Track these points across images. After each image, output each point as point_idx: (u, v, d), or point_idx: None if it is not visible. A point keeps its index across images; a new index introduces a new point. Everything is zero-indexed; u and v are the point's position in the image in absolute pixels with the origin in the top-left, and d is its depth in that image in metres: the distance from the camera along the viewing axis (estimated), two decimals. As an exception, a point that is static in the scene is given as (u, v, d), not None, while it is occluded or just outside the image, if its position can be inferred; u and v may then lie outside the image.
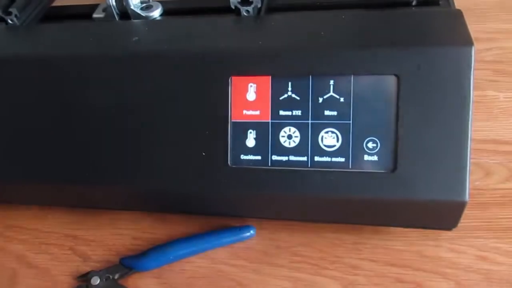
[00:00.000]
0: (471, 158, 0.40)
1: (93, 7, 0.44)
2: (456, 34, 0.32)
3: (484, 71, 0.49)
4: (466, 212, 0.32)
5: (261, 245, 0.38)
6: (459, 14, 0.34)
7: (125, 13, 0.41)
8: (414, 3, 0.38)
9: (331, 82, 0.33)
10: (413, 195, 0.31)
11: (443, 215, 0.33)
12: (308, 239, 0.38)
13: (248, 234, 0.37)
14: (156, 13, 0.41)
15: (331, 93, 0.33)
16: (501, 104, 0.46)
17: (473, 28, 0.56)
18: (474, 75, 0.31)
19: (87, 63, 0.36)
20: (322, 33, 0.34)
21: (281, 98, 0.33)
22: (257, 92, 0.34)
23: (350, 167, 0.32)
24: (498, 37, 0.53)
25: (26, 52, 0.39)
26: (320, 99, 0.33)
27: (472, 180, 0.40)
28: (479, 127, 0.44)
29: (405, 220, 0.34)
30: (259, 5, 0.37)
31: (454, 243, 0.36)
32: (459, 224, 0.34)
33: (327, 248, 0.37)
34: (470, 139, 0.31)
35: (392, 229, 0.37)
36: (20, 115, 0.38)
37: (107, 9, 0.42)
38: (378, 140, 0.32)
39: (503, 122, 0.44)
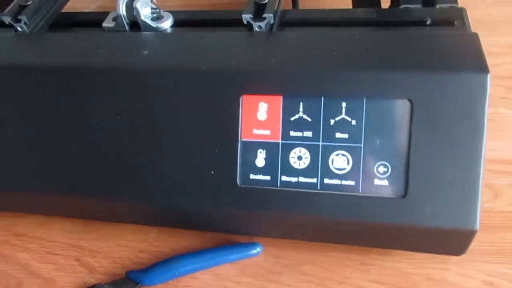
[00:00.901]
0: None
1: (103, 15, 0.43)
2: (472, 60, 0.31)
3: (496, 88, 0.48)
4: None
5: (267, 263, 0.37)
6: (475, 38, 0.33)
7: (136, 23, 0.41)
8: (428, 22, 0.37)
9: (343, 104, 0.32)
10: (423, 222, 0.31)
11: (452, 242, 0.33)
12: (315, 258, 0.37)
13: (254, 251, 0.37)
14: (166, 24, 0.41)
15: (343, 115, 0.32)
16: (511, 122, 0.45)
17: (485, 41, 0.55)
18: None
19: (96, 75, 0.36)
20: (335, 53, 0.34)
21: (292, 119, 0.33)
22: (268, 112, 0.33)
23: (360, 191, 0.32)
24: (510, 52, 0.52)
25: (35, 61, 0.38)
26: (332, 121, 0.33)
27: (482, 202, 0.39)
28: (490, 146, 0.43)
29: (413, 244, 0.34)
30: (271, 21, 0.37)
31: (462, 267, 0.36)
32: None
33: (335, 268, 0.37)
34: (483, 168, 0.31)
35: (400, 250, 0.37)
36: (27, 124, 0.37)
37: (117, 18, 0.42)
38: (389, 164, 0.32)
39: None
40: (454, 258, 0.36)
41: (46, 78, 0.37)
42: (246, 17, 0.37)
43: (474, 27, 0.56)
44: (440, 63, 0.32)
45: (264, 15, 0.37)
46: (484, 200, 0.40)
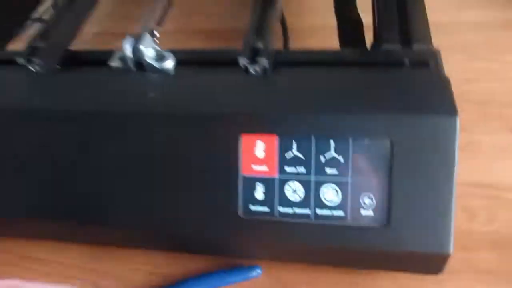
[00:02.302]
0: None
1: (110, 54, 0.47)
2: (444, 104, 0.35)
3: (470, 113, 0.53)
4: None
5: (267, 284, 0.41)
6: (447, 82, 0.37)
7: (140, 63, 0.45)
8: (406, 63, 0.41)
9: (332, 143, 0.36)
10: (404, 247, 0.35)
11: (429, 263, 0.37)
12: (312, 278, 0.41)
13: (255, 273, 0.41)
14: (168, 64, 0.44)
15: (332, 153, 0.36)
16: (485, 147, 0.50)
17: (461, 66, 0.60)
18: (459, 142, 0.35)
19: (107, 118, 0.40)
20: (323, 95, 0.38)
21: (287, 156, 0.37)
22: (265, 150, 0.37)
23: (348, 220, 0.36)
24: (486, 77, 0.57)
25: (49, 105, 0.42)
26: (322, 158, 0.37)
27: (459, 223, 0.43)
28: (464, 170, 0.48)
29: (395, 266, 0.38)
30: (266, 65, 0.41)
31: (441, 284, 0.40)
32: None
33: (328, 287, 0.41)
34: (454, 198, 0.35)
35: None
36: (41, 163, 0.41)
37: (123, 58, 0.45)
38: (374, 196, 0.36)
39: (486, 166, 0.48)
40: (432, 277, 0.40)
41: (61, 121, 0.40)
42: (243, 61, 0.41)
43: (455, 51, 0.60)
44: (416, 106, 0.36)
45: (259, 59, 0.41)
46: (461, 222, 0.44)
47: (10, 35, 0.62)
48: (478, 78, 0.57)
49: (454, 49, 0.62)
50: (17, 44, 0.61)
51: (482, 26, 0.64)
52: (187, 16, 0.71)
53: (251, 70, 0.41)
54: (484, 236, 0.43)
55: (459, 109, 0.52)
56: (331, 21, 0.56)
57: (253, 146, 0.38)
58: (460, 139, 0.51)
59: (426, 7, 0.49)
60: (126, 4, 0.78)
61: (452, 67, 0.55)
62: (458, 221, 0.44)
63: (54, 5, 0.55)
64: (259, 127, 0.37)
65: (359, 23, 0.54)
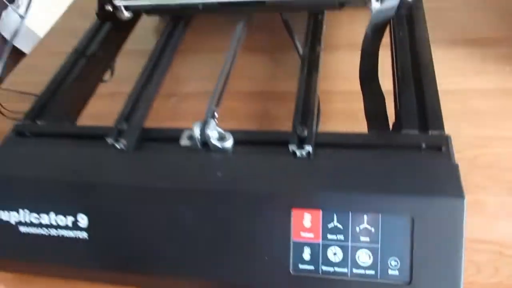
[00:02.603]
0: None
1: (178, 132, 0.57)
2: (454, 188, 0.45)
3: (477, 176, 0.62)
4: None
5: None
6: (456, 167, 0.47)
7: (206, 143, 0.55)
8: (423, 146, 0.51)
9: (365, 217, 0.46)
10: (423, 302, 0.45)
11: (444, 313, 0.46)
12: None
13: (301, 317, 0.51)
14: (229, 144, 0.55)
15: (365, 224, 0.46)
16: (490, 207, 0.59)
17: (469, 133, 0.69)
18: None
19: (184, 194, 0.50)
20: (358, 176, 0.48)
21: (329, 226, 0.47)
22: (311, 221, 0.47)
23: (378, 278, 0.46)
24: (492, 144, 0.65)
25: (131, 181, 0.52)
26: (357, 229, 0.47)
27: (466, 275, 0.53)
28: (471, 227, 0.57)
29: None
30: (310, 150, 0.51)
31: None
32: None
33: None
34: (464, 261, 0.44)
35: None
36: (126, 229, 0.52)
37: (191, 138, 0.56)
38: (399, 259, 0.46)
39: (490, 224, 0.57)
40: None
41: (143, 196, 0.51)
42: (292, 147, 0.51)
43: (463, 118, 0.69)
44: (432, 189, 0.46)
45: (305, 145, 0.51)
46: (468, 274, 0.53)
47: (85, 103, 0.74)
48: (485, 144, 0.66)
49: (462, 116, 0.71)
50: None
51: (490, 93, 0.73)
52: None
53: (298, 154, 0.52)
54: (489, 287, 0.52)
55: (466, 172, 0.61)
56: (358, 87, 0.66)
57: (301, 217, 0.48)
58: (468, 199, 0.60)
59: (437, 74, 0.58)
60: (173, 66, 0.90)
61: (461, 133, 0.64)
62: (465, 273, 0.53)
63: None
64: (307, 203, 0.48)
65: (381, 98, 0.65)
